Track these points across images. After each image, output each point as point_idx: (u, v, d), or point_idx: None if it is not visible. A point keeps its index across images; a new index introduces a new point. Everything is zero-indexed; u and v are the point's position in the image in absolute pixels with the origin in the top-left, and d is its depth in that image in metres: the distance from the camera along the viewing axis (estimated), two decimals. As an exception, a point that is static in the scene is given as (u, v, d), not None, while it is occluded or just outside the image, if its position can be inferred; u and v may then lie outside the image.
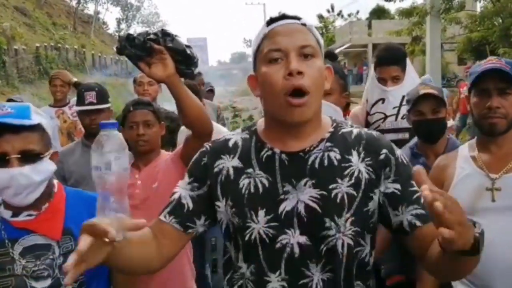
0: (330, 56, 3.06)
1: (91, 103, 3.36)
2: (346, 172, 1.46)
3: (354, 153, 1.49)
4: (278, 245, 1.45)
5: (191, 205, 1.58)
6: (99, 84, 3.71)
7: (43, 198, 1.81)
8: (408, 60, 3.14)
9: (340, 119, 1.90)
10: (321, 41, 1.53)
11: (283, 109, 1.43)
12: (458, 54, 21.37)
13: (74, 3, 40.35)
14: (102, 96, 3.44)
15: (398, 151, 1.53)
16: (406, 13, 17.26)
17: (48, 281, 1.78)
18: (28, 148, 1.71)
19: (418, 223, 1.46)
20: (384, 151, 1.50)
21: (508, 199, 1.95)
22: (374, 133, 1.57)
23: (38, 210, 1.81)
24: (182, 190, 1.61)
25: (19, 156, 1.69)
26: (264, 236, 1.46)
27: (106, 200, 1.31)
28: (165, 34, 2.16)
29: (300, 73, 1.40)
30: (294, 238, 1.44)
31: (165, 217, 1.59)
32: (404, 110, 2.93)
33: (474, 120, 2.14)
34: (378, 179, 1.48)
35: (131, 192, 2.62)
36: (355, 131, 1.55)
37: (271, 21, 1.50)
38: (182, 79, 2.25)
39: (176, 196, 1.61)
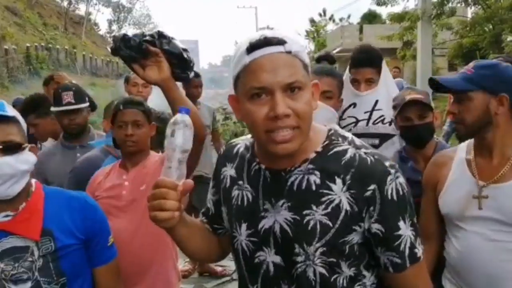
0: (328, 59, 3.03)
1: (69, 103, 3.32)
2: (323, 199, 1.38)
3: (338, 181, 1.38)
4: (256, 260, 1.47)
5: (213, 209, 1.68)
6: (75, 83, 3.67)
7: (20, 197, 1.79)
8: (384, 64, 3.09)
9: (335, 123, 1.86)
10: (308, 62, 1.39)
11: (266, 144, 1.35)
12: (449, 60, 21.41)
13: (65, 3, 40.10)
14: (80, 96, 3.40)
15: (391, 185, 1.37)
16: (398, 18, 17.29)
17: (28, 284, 1.75)
18: (9, 139, 1.72)
19: (390, 269, 1.43)
20: (372, 187, 1.36)
21: (492, 209, 1.94)
22: (370, 159, 1.39)
23: (16, 210, 1.78)
24: (209, 193, 1.69)
25: (0, 147, 1.69)
26: (246, 248, 1.49)
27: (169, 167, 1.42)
28: (161, 36, 2.13)
29: (287, 115, 1.30)
30: (270, 257, 1.44)
31: (200, 216, 1.72)
32: (376, 115, 2.93)
33: None
34: (360, 213, 1.37)
35: (118, 193, 2.60)
36: (349, 153, 1.40)
37: (251, 47, 1.33)
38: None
39: (207, 197, 1.71)
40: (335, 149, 1.42)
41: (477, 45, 15.98)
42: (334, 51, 33.01)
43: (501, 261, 1.90)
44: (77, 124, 3.36)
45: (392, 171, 1.39)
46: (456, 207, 2.05)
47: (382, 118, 3.02)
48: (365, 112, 2.99)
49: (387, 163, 1.40)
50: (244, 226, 1.48)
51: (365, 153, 1.41)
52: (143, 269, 2.52)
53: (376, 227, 1.38)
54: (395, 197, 1.37)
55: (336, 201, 1.37)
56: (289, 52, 1.33)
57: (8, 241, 1.75)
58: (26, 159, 1.76)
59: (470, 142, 2.17)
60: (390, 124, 3.02)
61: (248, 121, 1.37)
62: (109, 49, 2.15)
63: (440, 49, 21.88)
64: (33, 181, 1.90)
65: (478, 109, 2.01)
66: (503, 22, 14.94)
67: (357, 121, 3.00)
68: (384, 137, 2.85)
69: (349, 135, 1.50)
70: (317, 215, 1.37)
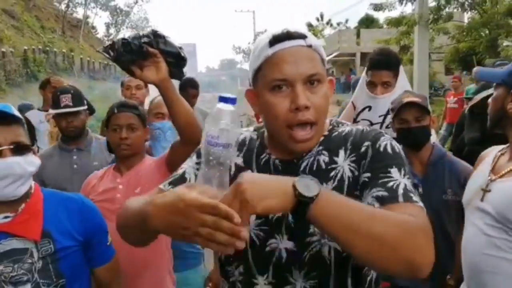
0: None
1: (67, 106, 3.32)
2: (331, 175, 1.42)
3: (341, 152, 1.44)
4: (267, 248, 1.45)
5: (193, 180, 1.56)
6: (74, 86, 3.66)
7: (20, 199, 1.80)
8: (401, 68, 3.06)
9: None
10: (325, 58, 1.47)
11: (286, 140, 1.40)
12: (446, 64, 21.50)
13: (63, 7, 40.11)
14: (78, 98, 3.40)
15: (384, 142, 1.40)
16: (395, 22, 17.32)
17: (28, 286, 1.75)
18: (19, 140, 1.76)
19: (376, 205, 1.28)
20: (366, 143, 1.41)
21: (490, 203, 1.96)
22: (365, 128, 1.48)
23: (15, 212, 1.79)
24: (188, 167, 1.61)
25: (11, 147, 1.73)
26: (255, 238, 1.47)
27: (211, 173, 1.25)
28: (156, 35, 2.14)
29: (307, 107, 1.35)
30: (282, 243, 1.44)
31: (164, 186, 1.57)
32: (390, 119, 2.88)
33: None
34: (359, 175, 1.39)
35: (112, 196, 2.59)
36: (348, 129, 1.49)
37: (274, 40, 1.39)
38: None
39: (180, 171, 1.61)
40: (337, 132, 1.50)
41: (474, 50, 16.04)
42: (331, 55, 33.13)
43: (487, 255, 1.93)
44: (75, 126, 3.36)
45: (387, 136, 1.45)
46: (468, 194, 2.12)
47: None
48: (380, 116, 2.97)
49: (382, 132, 1.48)
50: (253, 215, 1.46)
51: (362, 127, 1.50)
52: (137, 273, 2.51)
53: (365, 175, 1.37)
54: (389, 150, 1.39)
55: (341, 172, 1.41)
56: (309, 46, 1.40)
57: (7, 243, 1.76)
58: (33, 161, 1.79)
59: None
60: None
61: (268, 113, 1.41)
62: (110, 58, 2.13)
63: (437, 54, 21.97)
64: (32, 182, 1.91)
65: (497, 102, 2.05)
66: (499, 27, 15.03)
67: (371, 124, 2.97)
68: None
69: (348, 122, 1.58)
70: None
